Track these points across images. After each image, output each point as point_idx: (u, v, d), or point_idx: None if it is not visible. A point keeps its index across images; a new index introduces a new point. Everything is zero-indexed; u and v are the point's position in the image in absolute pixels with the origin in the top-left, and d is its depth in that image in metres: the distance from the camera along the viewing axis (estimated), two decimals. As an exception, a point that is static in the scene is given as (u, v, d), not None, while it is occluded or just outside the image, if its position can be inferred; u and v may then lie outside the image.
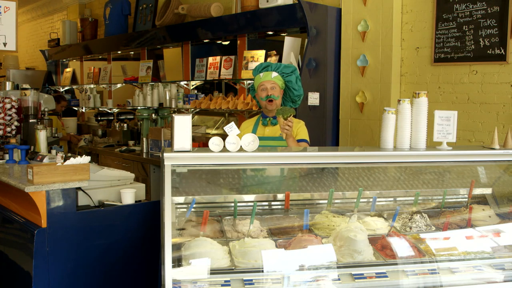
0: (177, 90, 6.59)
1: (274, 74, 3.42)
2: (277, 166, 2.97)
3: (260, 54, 5.20)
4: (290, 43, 4.85)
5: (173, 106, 6.45)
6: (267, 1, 4.87)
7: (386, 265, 2.48)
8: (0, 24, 4.44)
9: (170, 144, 2.64)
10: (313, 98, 4.68)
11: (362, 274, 2.43)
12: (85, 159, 3.05)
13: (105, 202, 3.25)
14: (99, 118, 8.00)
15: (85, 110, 8.93)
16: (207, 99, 5.84)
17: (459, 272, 2.56)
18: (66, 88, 9.27)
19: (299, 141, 3.39)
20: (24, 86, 4.53)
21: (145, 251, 3.30)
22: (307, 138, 3.46)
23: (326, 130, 4.88)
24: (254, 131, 3.48)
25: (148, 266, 3.34)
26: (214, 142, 2.52)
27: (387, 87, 4.53)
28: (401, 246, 2.59)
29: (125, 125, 7.42)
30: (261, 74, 3.48)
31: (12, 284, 3.30)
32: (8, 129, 4.16)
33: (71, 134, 7.65)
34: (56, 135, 5.08)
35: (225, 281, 2.33)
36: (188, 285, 2.29)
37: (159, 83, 6.94)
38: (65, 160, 3.02)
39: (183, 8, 6.13)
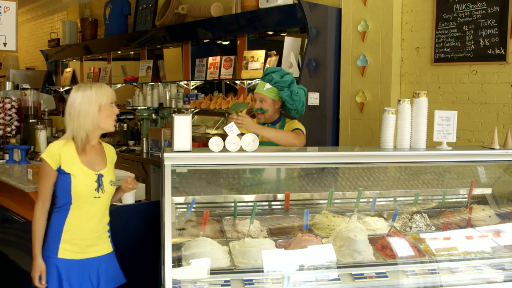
0: (177, 90, 6.59)
1: (267, 86, 3.37)
2: (277, 166, 2.98)
3: (260, 54, 5.19)
4: (290, 43, 4.85)
5: (173, 106, 6.44)
6: (267, 1, 4.87)
7: (386, 265, 2.49)
8: (0, 24, 4.44)
9: (170, 144, 2.64)
10: (313, 98, 4.67)
11: (362, 274, 2.44)
12: (85, 159, 3.03)
13: (105, 202, 3.24)
14: (99, 118, 7.98)
15: (85, 110, 8.90)
16: (207, 99, 5.84)
17: (459, 272, 2.56)
18: (66, 88, 9.26)
19: (292, 130, 3.36)
20: (24, 86, 4.54)
21: (145, 251, 3.30)
22: (301, 128, 3.41)
23: (326, 130, 4.87)
24: None
25: (148, 266, 3.33)
26: (214, 142, 2.52)
27: (387, 87, 4.53)
28: (401, 246, 2.59)
29: (125, 125, 7.42)
30: (259, 83, 3.47)
31: (12, 284, 3.30)
32: (8, 129, 4.17)
33: None
34: (56, 135, 5.08)
35: (225, 281, 2.33)
36: (188, 285, 2.29)
37: (159, 83, 6.93)
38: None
39: (183, 8, 6.13)
